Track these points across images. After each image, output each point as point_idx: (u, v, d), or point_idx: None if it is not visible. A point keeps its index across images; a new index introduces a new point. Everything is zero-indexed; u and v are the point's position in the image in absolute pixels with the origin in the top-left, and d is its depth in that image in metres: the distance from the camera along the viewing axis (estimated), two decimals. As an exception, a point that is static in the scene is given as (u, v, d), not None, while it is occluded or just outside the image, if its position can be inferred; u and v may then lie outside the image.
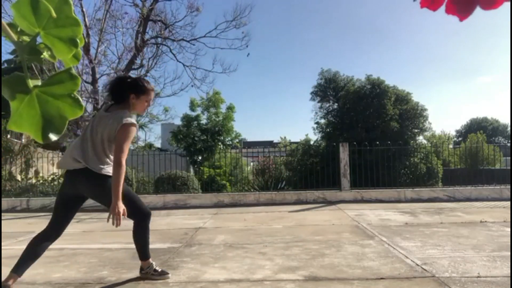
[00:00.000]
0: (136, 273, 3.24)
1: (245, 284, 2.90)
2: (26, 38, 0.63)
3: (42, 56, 0.64)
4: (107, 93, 2.91)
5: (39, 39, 0.63)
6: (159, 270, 3.06)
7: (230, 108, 17.01)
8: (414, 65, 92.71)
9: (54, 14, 0.60)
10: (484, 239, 4.19)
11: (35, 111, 0.61)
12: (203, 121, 16.77)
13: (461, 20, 0.62)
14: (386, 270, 3.13)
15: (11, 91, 0.59)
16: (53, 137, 0.62)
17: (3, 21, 0.60)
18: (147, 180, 10.91)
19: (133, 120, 2.71)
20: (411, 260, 3.39)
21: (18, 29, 0.63)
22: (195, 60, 15.46)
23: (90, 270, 3.39)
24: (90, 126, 2.79)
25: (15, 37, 0.62)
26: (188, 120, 16.33)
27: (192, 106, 17.01)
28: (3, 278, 2.53)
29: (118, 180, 2.60)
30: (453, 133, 42.99)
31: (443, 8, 0.63)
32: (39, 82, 0.61)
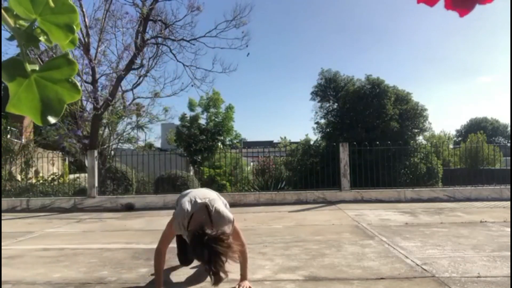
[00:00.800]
0: (136, 273, 3.24)
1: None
2: (22, 23, 0.64)
3: (39, 41, 0.65)
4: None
5: (35, 25, 0.64)
6: None
7: (230, 108, 17.01)
8: (414, 65, 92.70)
9: (51, 3, 0.60)
10: (484, 239, 4.19)
11: (34, 95, 0.61)
12: (203, 121, 16.79)
13: (461, 15, 0.61)
14: (386, 270, 3.13)
15: (9, 75, 0.59)
16: (52, 120, 0.63)
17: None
18: (147, 180, 10.92)
19: (178, 221, 2.78)
20: (411, 260, 3.39)
21: (14, 13, 0.63)
22: (195, 60, 15.39)
23: (90, 270, 3.39)
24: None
25: (11, 22, 0.62)
26: (191, 120, 16.36)
27: (191, 106, 17.02)
28: (3, 278, 2.54)
29: (154, 268, 2.82)
30: (453, 133, 42.93)
31: (440, 5, 0.62)
32: (36, 67, 0.62)
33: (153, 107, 12.29)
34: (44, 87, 0.62)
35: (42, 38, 0.65)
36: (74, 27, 0.64)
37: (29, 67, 0.61)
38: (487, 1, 0.59)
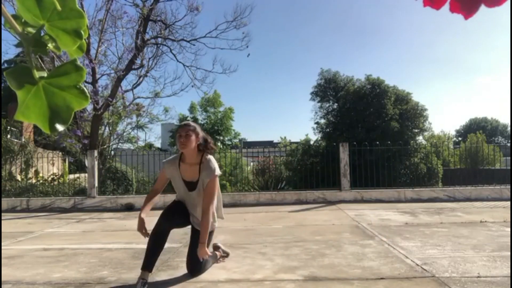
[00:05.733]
0: (136, 273, 3.24)
1: (245, 284, 2.90)
2: (30, 30, 0.64)
3: (47, 47, 0.65)
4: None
5: (43, 31, 0.64)
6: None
7: (229, 109, 17.06)
8: (414, 65, 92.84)
9: (58, 7, 0.60)
10: (484, 239, 4.19)
11: (42, 102, 0.61)
12: (201, 121, 16.82)
13: (466, 18, 0.61)
14: (386, 270, 3.13)
15: (17, 83, 0.59)
16: (60, 127, 0.63)
17: (8, 13, 0.60)
18: (147, 180, 10.92)
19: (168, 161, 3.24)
20: (411, 260, 3.39)
21: (23, 21, 0.63)
22: (195, 60, 15.40)
23: (90, 270, 3.39)
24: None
25: (19, 28, 0.62)
26: (181, 120, 16.42)
27: (192, 109, 17.07)
28: (3, 278, 2.54)
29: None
30: (453, 133, 42.95)
31: (445, 7, 0.62)
32: (44, 74, 0.62)
33: (153, 107, 12.34)
34: (52, 94, 0.62)
35: (50, 45, 0.65)
36: (82, 32, 0.64)
37: (37, 74, 0.61)
38: (495, 5, 0.59)
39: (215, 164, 3.02)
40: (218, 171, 3.02)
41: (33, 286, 3.01)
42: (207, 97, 16.42)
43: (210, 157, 3.05)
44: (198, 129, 3.01)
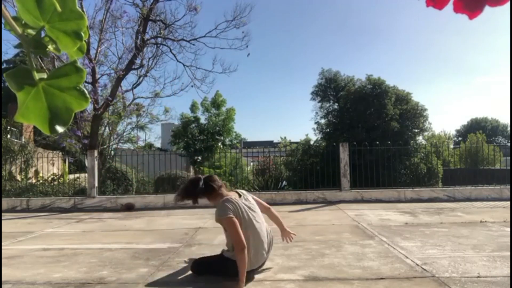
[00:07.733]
0: (136, 273, 3.24)
1: (245, 284, 2.90)
2: (30, 31, 0.64)
3: (47, 49, 0.65)
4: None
5: (43, 32, 0.64)
6: None
7: (232, 110, 17.07)
8: (414, 65, 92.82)
9: (59, 8, 0.60)
10: (484, 239, 4.19)
11: (42, 104, 0.61)
12: (203, 121, 16.84)
13: (470, 18, 0.61)
14: (386, 270, 3.13)
15: (17, 84, 0.59)
16: (60, 129, 0.63)
17: (8, 15, 0.60)
18: (147, 180, 10.92)
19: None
20: (411, 260, 3.39)
21: (23, 22, 0.63)
22: (195, 60, 15.40)
23: (90, 270, 3.39)
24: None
25: (19, 30, 0.62)
26: (186, 121, 16.40)
27: (193, 108, 17.07)
28: (3, 278, 2.54)
29: (242, 265, 2.82)
30: (453, 133, 42.87)
31: (448, 7, 0.62)
32: (44, 75, 0.62)
33: (153, 107, 12.31)
34: (52, 95, 0.62)
35: (50, 47, 0.65)
36: (82, 34, 0.64)
37: (37, 76, 0.60)
38: (497, 4, 0.59)
39: (220, 207, 2.94)
40: (221, 214, 2.90)
41: (33, 286, 3.01)
42: (212, 99, 16.47)
43: (223, 200, 3.00)
44: (198, 188, 3.06)
